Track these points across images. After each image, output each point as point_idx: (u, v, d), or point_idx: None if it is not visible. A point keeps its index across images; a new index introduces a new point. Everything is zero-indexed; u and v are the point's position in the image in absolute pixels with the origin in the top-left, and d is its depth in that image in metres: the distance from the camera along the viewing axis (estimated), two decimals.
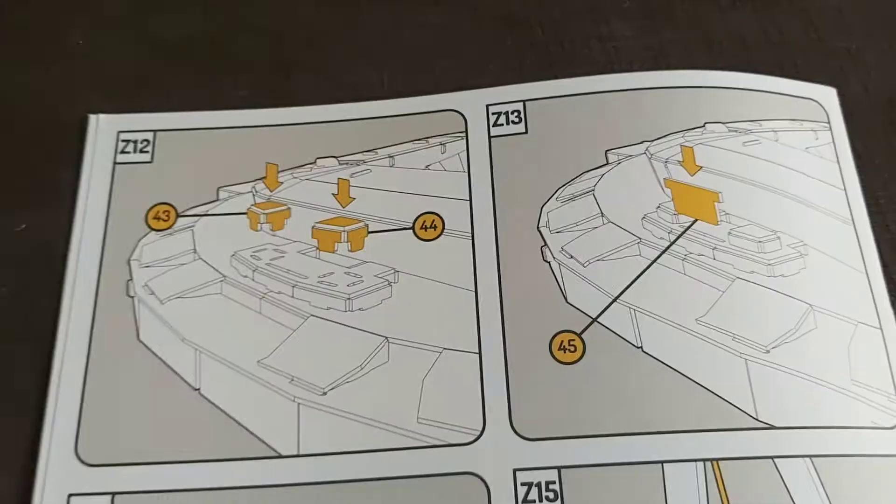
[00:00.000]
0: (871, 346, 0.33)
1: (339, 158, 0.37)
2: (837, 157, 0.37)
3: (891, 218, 0.37)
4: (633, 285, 0.34)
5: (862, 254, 0.35)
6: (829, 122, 0.38)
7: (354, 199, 0.37)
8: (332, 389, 0.33)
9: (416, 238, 0.36)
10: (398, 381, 0.33)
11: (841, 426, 0.31)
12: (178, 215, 0.36)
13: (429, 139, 0.38)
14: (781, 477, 0.31)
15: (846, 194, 0.36)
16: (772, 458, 0.31)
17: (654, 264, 0.34)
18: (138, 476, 0.31)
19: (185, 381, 0.33)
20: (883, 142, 0.39)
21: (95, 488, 0.31)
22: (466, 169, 0.37)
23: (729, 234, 0.35)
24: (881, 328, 0.34)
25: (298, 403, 0.33)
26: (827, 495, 0.30)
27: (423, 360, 0.33)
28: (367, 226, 0.36)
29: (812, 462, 0.31)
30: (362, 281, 0.35)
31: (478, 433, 0.32)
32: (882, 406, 0.32)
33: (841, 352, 0.33)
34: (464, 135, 0.37)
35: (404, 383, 0.33)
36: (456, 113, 0.38)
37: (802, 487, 0.30)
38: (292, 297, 0.35)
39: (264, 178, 0.37)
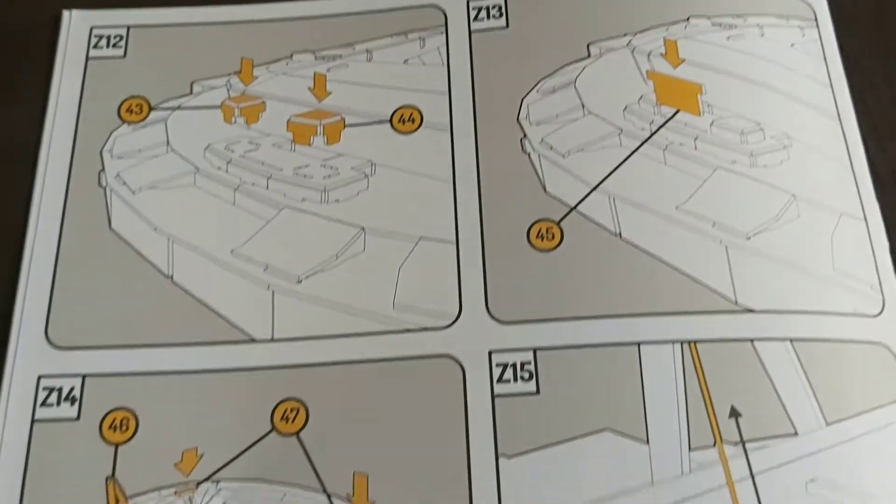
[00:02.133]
0: (855, 236, 0.33)
1: (316, 53, 0.37)
2: (824, 55, 0.36)
3: (878, 118, 0.37)
4: (613, 174, 0.33)
5: (848, 149, 0.34)
6: (816, 20, 0.37)
7: (331, 93, 0.36)
8: (307, 278, 0.32)
9: (393, 131, 0.35)
10: (374, 270, 0.32)
11: (822, 311, 0.31)
12: (150, 108, 0.36)
13: (407, 34, 0.37)
14: (760, 359, 0.30)
15: (832, 91, 0.36)
16: (750, 340, 0.30)
17: (635, 154, 0.34)
18: (110, 358, 0.31)
19: (158, 269, 0.33)
20: (871, 43, 0.39)
21: (65, 370, 0.31)
22: (446, 63, 0.36)
23: (711, 125, 0.34)
24: (866, 220, 0.33)
25: (273, 291, 0.32)
26: (807, 379, 0.30)
27: (400, 249, 0.33)
28: (343, 119, 0.35)
29: (792, 345, 0.30)
30: (338, 173, 0.34)
31: (454, 318, 0.32)
32: (865, 294, 0.32)
33: (824, 241, 0.32)
34: (443, 29, 0.37)
35: (380, 272, 0.32)
36: (435, 8, 0.37)
37: (782, 370, 0.30)
38: (267, 188, 0.34)
39: (239, 72, 0.36)
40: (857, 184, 0.34)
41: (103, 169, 0.34)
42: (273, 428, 0.30)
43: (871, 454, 0.29)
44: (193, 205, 0.34)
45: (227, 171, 0.34)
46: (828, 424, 0.30)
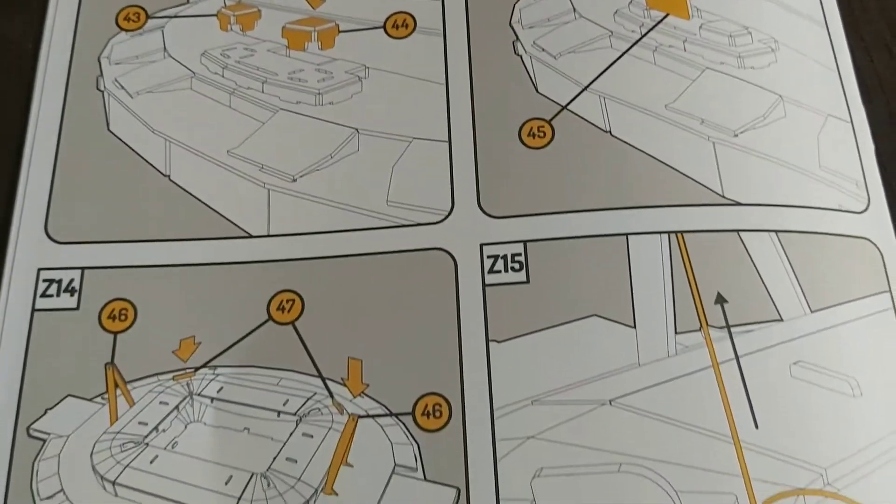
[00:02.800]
0: (840, 137, 0.33)
1: None
2: None
3: (865, 28, 0.37)
4: (603, 75, 0.34)
5: (835, 54, 0.35)
6: None
7: (325, 1, 0.36)
8: (301, 177, 0.33)
9: (387, 36, 0.35)
10: (368, 169, 0.33)
11: (807, 206, 0.32)
12: (148, 17, 0.36)
13: None
14: (746, 250, 0.31)
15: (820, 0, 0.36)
16: (737, 231, 0.31)
17: (625, 55, 0.34)
18: (108, 252, 0.32)
19: (155, 168, 0.33)
20: None
21: (65, 263, 0.32)
22: None
23: (700, 28, 0.34)
24: (852, 122, 0.34)
25: (268, 189, 0.33)
26: (792, 269, 0.31)
27: (393, 149, 0.33)
28: (337, 25, 0.36)
29: (777, 237, 0.31)
30: (332, 77, 0.35)
31: (446, 213, 0.32)
32: (850, 192, 0.32)
33: (810, 140, 0.33)
34: None
35: (374, 170, 0.33)
36: None
37: (767, 260, 0.31)
38: (262, 92, 0.35)
39: None
40: (843, 88, 0.34)
41: (101, 74, 0.35)
42: (269, 318, 0.31)
43: (854, 340, 0.30)
44: (190, 108, 0.34)
45: (223, 76, 0.35)
46: (812, 312, 0.30)
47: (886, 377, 0.30)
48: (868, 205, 0.32)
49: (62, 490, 0.29)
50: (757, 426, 0.29)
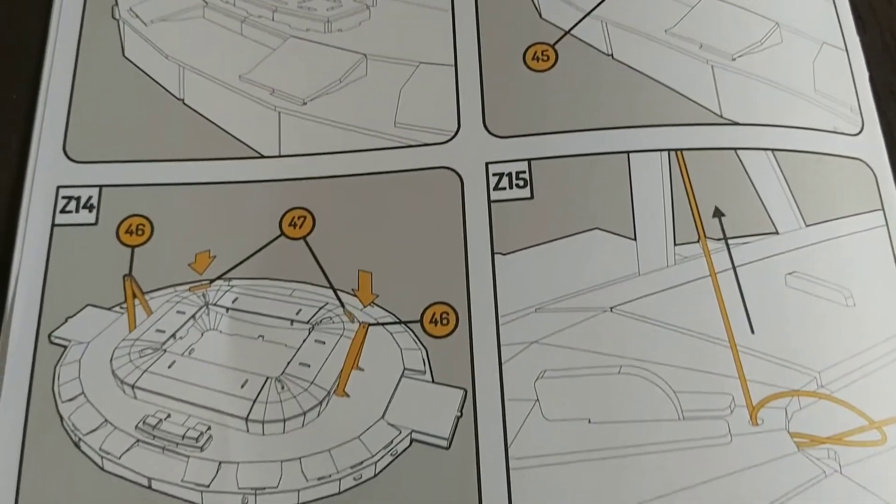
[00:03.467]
0: (835, 63, 0.34)
1: None
2: None
3: None
4: (606, 1, 0.35)
5: None
6: None
7: None
8: (311, 100, 0.34)
9: None
10: (376, 93, 0.34)
11: (803, 127, 0.33)
12: None
13: None
14: (744, 167, 0.32)
15: None
16: (734, 149, 0.32)
17: None
18: (125, 171, 0.33)
19: (170, 92, 0.34)
20: None
21: (83, 181, 0.33)
22: None
23: None
24: (846, 51, 0.35)
25: (279, 112, 0.34)
26: (788, 185, 0.32)
27: (401, 73, 0.34)
28: None
29: (774, 155, 0.32)
30: (341, 5, 0.36)
31: (452, 133, 0.33)
32: (845, 115, 0.33)
33: (806, 65, 0.34)
34: None
35: (382, 94, 0.34)
36: None
37: (764, 177, 0.32)
38: (273, 20, 0.35)
39: None
40: (838, 17, 0.35)
41: (116, 3, 0.36)
42: (281, 233, 0.32)
43: (847, 253, 0.31)
44: (202, 35, 0.35)
45: (234, 5, 0.36)
46: (807, 226, 0.31)
47: (879, 289, 0.31)
48: (862, 128, 0.33)
49: (83, 393, 0.30)
50: (753, 331, 0.30)
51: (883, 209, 0.32)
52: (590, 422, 0.29)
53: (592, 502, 0.28)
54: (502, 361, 0.30)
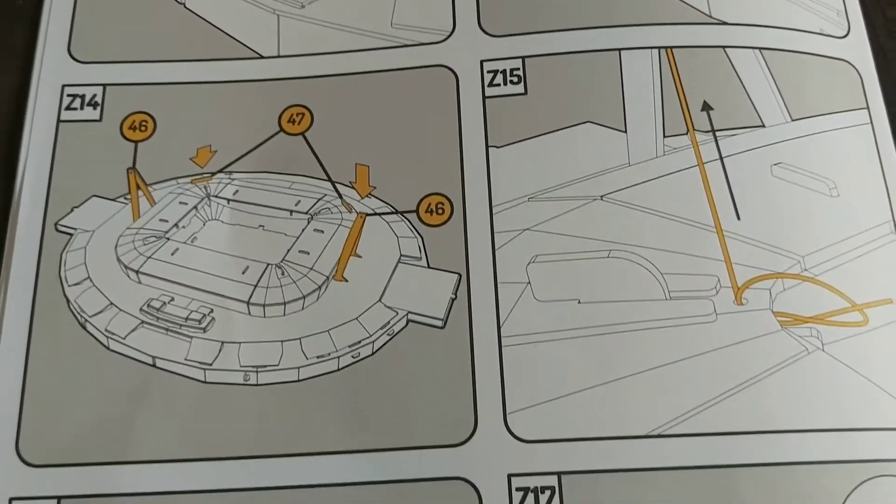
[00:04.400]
0: None
1: None
2: None
3: None
4: None
5: None
6: None
7: None
8: (310, 4, 0.35)
9: None
10: None
11: (791, 27, 0.33)
12: None
13: None
14: (731, 64, 0.33)
15: None
16: (722, 47, 0.33)
17: None
18: (129, 71, 0.33)
19: None
20: None
21: (88, 80, 0.33)
22: None
23: None
24: None
25: (278, 15, 0.35)
26: (775, 81, 0.32)
27: None
28: None
29: (762, 54, 0.33)
30: None
31: (448, 33, 0.34)
32: (831, 19, 0.34)
33: None
34: None
35: None
36: None
37: (751, 73, 0.32)
38: None
39: None
40: None
41: None
42: (280, 129, 0.33)
43: (832, 146, 0.32)
44: None
45: None
46: (793, 120, 0.32)
47: (862, 182, 0.32)
48: (848, 32, 0.34)
49: (88, 277, 0.31)
50: (739, 218, 0.31)
51: (868, 108, 0.33)
52: (579, 302, 0.30)
53: (582, 376, 0.29)
54: (495, 247, 0.31)
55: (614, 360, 0.29)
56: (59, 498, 0.28)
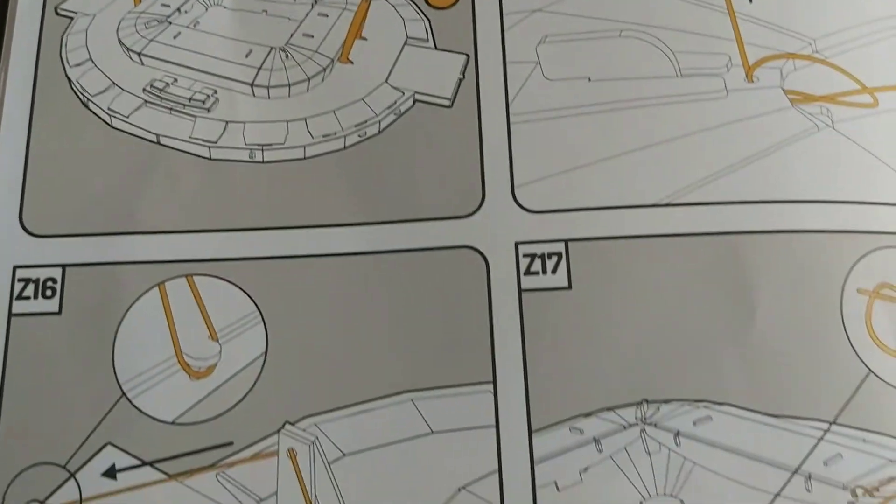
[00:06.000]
0: None
1: None
2: None
3: None
4: None
5: None
6: None
7: None
8: None
9: None
10: None
11: None
12: None
13: None
14: None
15: None
16: None
17: None
18: None
19: None
20: None
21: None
22: None
23: None
24: None
25: None
26: None
27: None
28: None
29: None
30: None
31: None
32: None
33: None
34: None
35: None
36: None
37: None
38: None
39: None
40: None
41: None
42: None
43: None
44: None
45: None
46: None
47: None
48: None
49: (90, 59, 0.30)
50: (751, 1, 0.30)
51: None
52: (589, 80, 0.29)
53: (591, 150, 0.28)
54: (504, 29, 0.30)
55: (624, 134, 0.29)
56: (64, 266, 0.28)
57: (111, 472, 0.26)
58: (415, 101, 0.30)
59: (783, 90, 0.29)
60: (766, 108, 0.29)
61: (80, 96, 0.30)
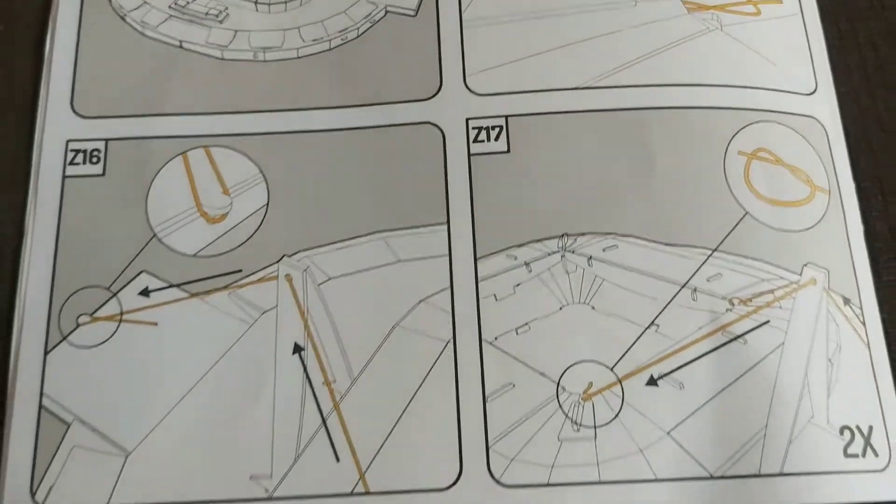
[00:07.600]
0: None
1: None
2: None
3: None
4: None
5: None
6: None
7: None
8: None
9: None
10: None
11: None
12: None
13: None
14: None
15: None
16: None
17: None
18: None
19: None
20: None
21: None
22: None
23: None
24: None
25: None
26: None
27: None
28: None
29: None
30: None
31: None
32: None
33: None
34: None
35: None
36: None
37: None
38: None
39: None
40: None
41: None
42: None
43: None
44: None
45: None
46: None
47: None
48: None
49: None
50: None
51: None
52: None
53: (528, 47, 0.35)
54: None
55: (553, 35, 0.36)
56: (106, 140, 0.35)
57: (145, 292, 0.33)
58: (386, 12, 0.37)
59: (682, 1, 0.36)
60: (667, 14, 0.36)
61: (118, 12, 0.37)
